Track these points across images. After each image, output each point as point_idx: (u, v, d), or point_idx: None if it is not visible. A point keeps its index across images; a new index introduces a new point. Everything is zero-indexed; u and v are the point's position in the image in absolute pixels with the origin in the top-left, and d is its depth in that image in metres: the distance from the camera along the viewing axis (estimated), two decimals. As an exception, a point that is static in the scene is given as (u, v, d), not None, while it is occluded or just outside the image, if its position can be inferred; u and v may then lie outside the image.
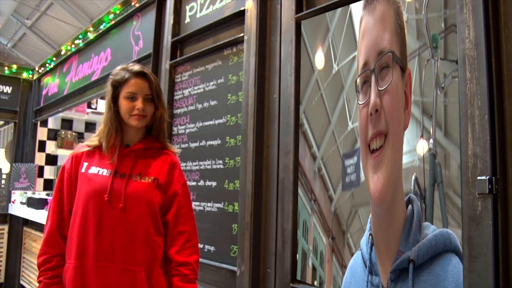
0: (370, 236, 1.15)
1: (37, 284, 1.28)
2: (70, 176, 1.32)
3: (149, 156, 1.37)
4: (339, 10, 1.49)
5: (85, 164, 1.33)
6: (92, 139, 1.37)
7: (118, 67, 1.38)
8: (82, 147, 1.37)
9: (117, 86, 1.32)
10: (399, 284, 1.06)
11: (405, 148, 1.18)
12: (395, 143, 1.14)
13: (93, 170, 1.31)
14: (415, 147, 1.16)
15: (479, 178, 1.00)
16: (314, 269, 1.48)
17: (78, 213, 1.27)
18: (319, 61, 1.56)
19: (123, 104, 1.32)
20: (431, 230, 1.05)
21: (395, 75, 1.15)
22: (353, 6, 1.43)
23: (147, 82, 1.33)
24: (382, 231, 1.13)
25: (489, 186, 0.98)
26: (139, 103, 1.31)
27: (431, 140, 1.13)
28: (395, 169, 1.13)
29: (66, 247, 1.28)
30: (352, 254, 1.32)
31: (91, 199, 1.26)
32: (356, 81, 1.30)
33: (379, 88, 1.18)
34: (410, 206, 1.08)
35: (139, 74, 1.33)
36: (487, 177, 0.98)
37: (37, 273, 1.29)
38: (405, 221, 1.08)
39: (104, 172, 1.31)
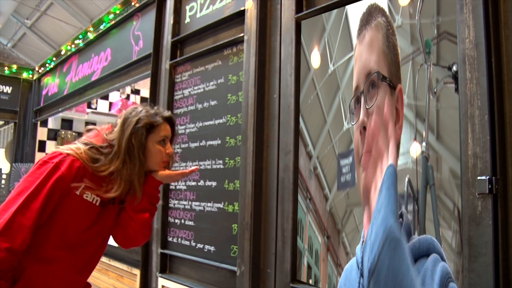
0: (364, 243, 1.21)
1: None
2: (64, 189, 1.12)
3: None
4: (335, 10, 1.50)
5: (82, 185, 1.16)
6: (103, 163, 1.18)
7: (140, 108, 1.26)
8: (73, 160, 1.14)
9: (149, 129, 1.22)
10: None
11: (400, 150, 1.20)
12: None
13: (88, 196, 1.18)
14: (409, 149, 1.18)
15: (479, 178, 1.00)
16: (309, 267, 1.49)
17: (69, 244, 1.17)
18: (315, 60, 1.57)
19: (157, 148, 1.24)
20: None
21: (382, 93, 1.23)
22: (349, 7, 1.44)
23: (172, 127, 1.32)
24: None
25: (489, 186, 0.98)
26: (170, 148, 1.28)
27: (424, 143, 1.15)
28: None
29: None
30: (347, 254, 1.34)
31: (88, 231, 1.20)
32: (349, 104, 1.37)
33: (367, 107, 1.26)
34: (401, 219, 1.14)
35: (169, 119, 1.30)
36: (487, 177, 0.98)
37: None
38: None
39: (98, 201, 1.20)
